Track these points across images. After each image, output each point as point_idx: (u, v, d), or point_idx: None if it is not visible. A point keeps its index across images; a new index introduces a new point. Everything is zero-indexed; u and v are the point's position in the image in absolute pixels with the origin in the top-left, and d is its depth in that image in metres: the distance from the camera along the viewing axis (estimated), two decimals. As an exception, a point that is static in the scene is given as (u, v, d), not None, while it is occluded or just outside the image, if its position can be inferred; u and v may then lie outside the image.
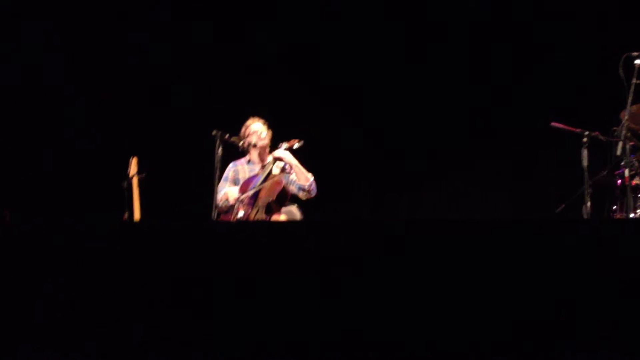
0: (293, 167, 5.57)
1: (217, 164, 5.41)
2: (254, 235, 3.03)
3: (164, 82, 7.47)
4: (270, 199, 5.47)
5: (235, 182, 5.79)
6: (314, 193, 5.65)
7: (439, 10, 7.45)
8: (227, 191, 5.60)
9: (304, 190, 5.60)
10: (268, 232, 3.12)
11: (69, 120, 7.41)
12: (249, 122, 5.85)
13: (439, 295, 2.81)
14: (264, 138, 5.80)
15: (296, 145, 5.64)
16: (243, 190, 5.54)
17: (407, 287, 2.81)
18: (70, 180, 7.27)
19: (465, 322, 2.76)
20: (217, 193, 5.45)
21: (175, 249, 2.99)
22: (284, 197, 5.54)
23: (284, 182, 5.49)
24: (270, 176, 5.51)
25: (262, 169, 5.72)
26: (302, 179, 5.60)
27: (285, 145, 5.66)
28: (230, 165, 5.86)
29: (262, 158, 5.82)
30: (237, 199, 5.50)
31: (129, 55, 7.46)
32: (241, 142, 5.67)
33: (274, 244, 2.95)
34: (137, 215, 6.01)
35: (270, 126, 5.91)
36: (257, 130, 5.79)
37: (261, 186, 5.46)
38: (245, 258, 2.93)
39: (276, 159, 5.56)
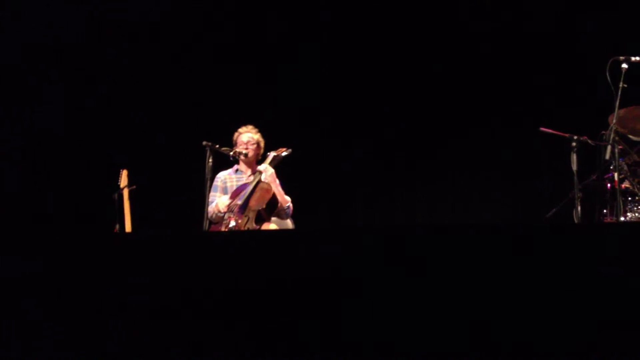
0: (274, 186, 5.56)
1: (208, 175, 5.40)
2: (246, 244, 3.04)
3: (154, 94, 7.47)
4: (260, 207, 5.47)
5: (224, 191, 5.78)
6: (286, 217, 5.65)
7: (429, 18, 7.49)
8: (218, 201, 5.59)
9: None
10: (259, 240, 3.13)
11: (59, 132, 7.40)
12: (241, 129, 5.84)
13: (432, 300, 2.81)
14: (253, 149, 5.78)
15: (284, 154, 5.65)
16: (233, 198, 5.54)
17: (399, 292, 2.82)
18: (61, 192, 7.26)
19: (458, 326, 2.76)
20: (207, 204, 5.44)
21: (167, 259, 2.99)
22: (274, 205, 5.54)
23: (273, 189, 5.49)
24: (260, 184, 5.50)
25: (250, 177, 5.71)
26: (279, 201, 5.61)
27: (273, 153, 5.66)
28: (218, 175, 5.83)
29: (251, 167, 5.82)
30: (229, 206, 5.50)
31: (120, 67, 7.46)
32: (232, 152, 5.67)
33: (265, 252, 2.96)
34: (128, 227, 6.00)
35: (262, 134, 5.90)
36: (246, 140, 5.78)
37: (251, 194, 5.46)
38: (236, 267, 2.93)
39: (258, 174, 5.55)
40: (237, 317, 2.86)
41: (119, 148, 7.23)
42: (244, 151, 5.72)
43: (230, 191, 5.70)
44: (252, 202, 5.45)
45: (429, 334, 2.79)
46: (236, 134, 5.84)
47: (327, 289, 2.84)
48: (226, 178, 5.83)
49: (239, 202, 5.47)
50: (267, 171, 5.54)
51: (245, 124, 5.91)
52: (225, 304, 2.88)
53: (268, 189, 5.46)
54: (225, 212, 5.49)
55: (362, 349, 2.78)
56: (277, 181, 5.60)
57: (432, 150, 7.56)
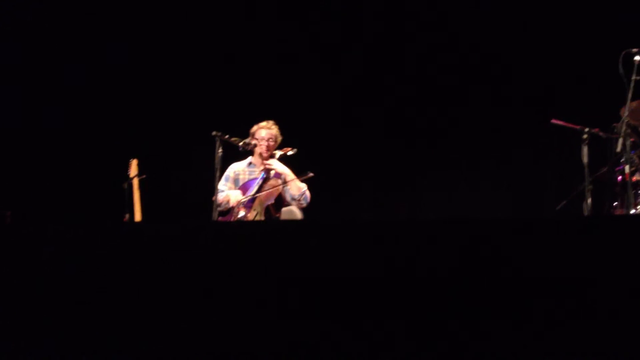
0: (285, 176, 5.58)
1: (217, 165, 5.41)
2: (255, 235, 3.04)
3: (163, 84, 7.48)
4: (269, 202, 5.50)
5: (235, 182, 5.80)
6: (305, 203, 5.68)
7: (436, 10, 7.46)
8: (229, 193, 5.61)
9: (295, 199, 5.64)
10: (269, 231, 3.13)
11: (69, 122, 7.42)
12: (262, 124, 5.82)
13: (440, 294, 2.81)
14: (271, 145, 5.77)
15: (290, 153, 5.68)
16: (242, 194, 5.58)
17: (406, 287, 2.81)
18: (71, 182, 7.28)
19: (466, 321, 2.76)
20: (217, 192, 5.45)
21: (177, 249, 3.00)
22: (282, 201, 5.57)
23: (282, 186, 5.52)
24: (268, 181, 5.54)
25: (262, 172, 5.72)
26: (294, 188, 5.63)
27: (279, 153, 5.68)
28: (232, 166, 5.86)
29: (263, 162, 5.81)
30: (239, 202, 5.53)
31: (128, 56, 7.47)
32: (242, 142, 5.66)
33: (274, 243, 2.96)
34: (138, 216, 6.02)
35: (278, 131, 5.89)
36: (265, 136, 5.76)
37: (259, 189, 5.49)
38: (246, 257, 2.93)
39: (268, 169, 5.58)
40: (244, 314, 2.86)
41: (128, 138, 7.23)
42: (255, 142, 5.71)
43: (241, 183, 5.72)
44: (261, 198, 5.49)
45: (433, 327, 2.78)
46: (255, 127, 5.81)
47: (332, 283, 2.84)
48: (239, 170, 5.85)
49: (248, 196, 5.50)
50: (274, 164, 5.57)
51: (254, 114, 5.92)
52: (232, 297, 2.88)
53: (276, 185, 5.50)
54: (235, 206, 5.52)
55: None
56: (288, 170, 5.63)
57: (441, 142, 7.53)
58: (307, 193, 5.68)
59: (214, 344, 2.86)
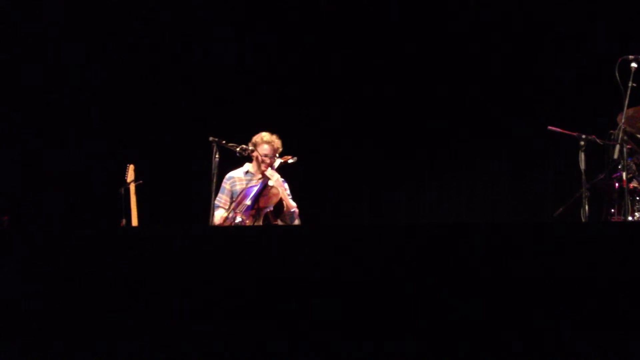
0: (281, 192, 5.55)
1: (214, 170, 5.39)
2: (252, 239, 3.04)
3: (161, 89, 7.49)
4: (268, 209, 5.50)
5: (232, 194, 5.74)
6: (291, 222, 5.62)
7: (438, 16, 7.48)
8: (216, 216, 5.56)
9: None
10: (266, 236, 3.13)
11: (67, 127, 7.43)
12: (267, 137, 5.70)
13: (437, 297, 2.81)
14: (269, 160, 5.70)
15: (290, 161, 5.64)
16: (240, 201, 5.57)
17: (403, 290, 2.81)
18: (68, 187, 7.28)
19: (463, 322, 2.76)
20: (213, 204, 5.42)
21: (173, 253, 3.00)
22: (280, 209, 5.56)
23: (280, 194, 5.52)
24: (268, 187, 5.54)
25: (260, 180, 5.70)
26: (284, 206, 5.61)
27: (279, 161, 5.64)
28: (227, 177, 5.78)
29: (261, 171, 5.77)
30: (232, 208, 5.52)
31: (126, 62, 7.48)
32: (239, 148, 5.64)
33: (271, 247, 2.96)
34: (134, 221, 6.01)
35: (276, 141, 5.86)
36: (267, 153, 5.66)
37: (260, 196, 5.49)
38: (243, 262, 2.93)
39: (266, 178, 5.56)
40: (239, 316, 2.86)
41: (125, 143, 7.24)
42: (252, 148, 5.69)
43: (238, 193, 5.69)
44: (261, 204, 5.49)
45: (433, 329, 2.78)
46: (259, 139, 5.69)
47: (330, 286, 2.85)
48: (235, 180, 5.77)
49: (247, 202, 5.48)
50: (273, 176, 5.55)
51: (251, 119, 5.91)
52: (229, 302, 2.88)
53: (276, 193, 5.50)
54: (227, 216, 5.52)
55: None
56: (285, 185, 5.62)
57: (439, 149, 7.55)
58: (297, 212, 5.65)
59: (210, 346, 2.86)
